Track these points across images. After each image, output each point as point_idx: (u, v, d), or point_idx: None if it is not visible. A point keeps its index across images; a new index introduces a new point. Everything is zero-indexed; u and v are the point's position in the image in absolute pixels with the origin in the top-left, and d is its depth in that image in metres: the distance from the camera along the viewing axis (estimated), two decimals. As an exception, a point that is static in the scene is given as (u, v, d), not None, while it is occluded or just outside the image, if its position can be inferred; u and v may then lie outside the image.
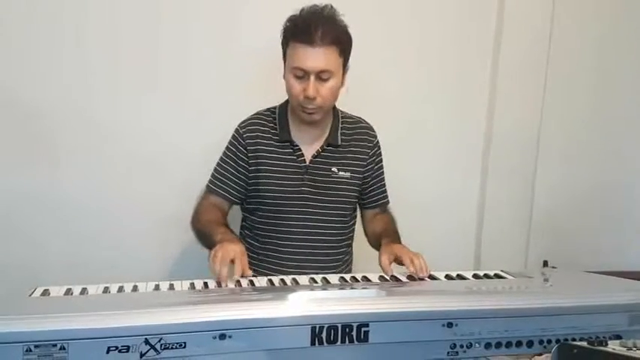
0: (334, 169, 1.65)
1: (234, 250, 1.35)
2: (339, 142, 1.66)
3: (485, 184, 2.37)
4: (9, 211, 1.99)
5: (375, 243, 1.65)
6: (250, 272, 1.36)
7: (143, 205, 2.08)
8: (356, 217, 1.78)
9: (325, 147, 1.65)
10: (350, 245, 1.78)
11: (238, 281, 1.33)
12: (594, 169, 2.51)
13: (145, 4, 1.99)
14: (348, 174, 1.66)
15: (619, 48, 2.45)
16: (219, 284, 1.31)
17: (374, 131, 1.74)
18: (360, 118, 1.75)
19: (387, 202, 1.78)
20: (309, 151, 1.65)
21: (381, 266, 1.46)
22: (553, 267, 1.54)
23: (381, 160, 1.75)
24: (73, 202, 2.02)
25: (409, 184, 2.21)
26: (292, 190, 1.62)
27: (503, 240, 2.40)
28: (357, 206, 1.77)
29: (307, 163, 1.64)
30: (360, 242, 1.82)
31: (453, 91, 2.31)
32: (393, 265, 1.46)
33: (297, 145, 1.64)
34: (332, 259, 1.70)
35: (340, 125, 1.68)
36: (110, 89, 2.01)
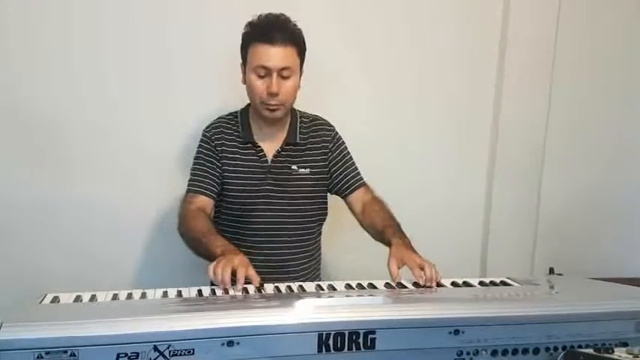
0: (294, 166, 1.71)
1: (238, 259, 1.37)
2: (298, 140, 1.72)
3: (491, 190, 2.37)
4: (17, 218, 2.00)
5: (378, 236, 1.66)
6: (258, 279, 1.37)
7: (150, 211, 2.08)
8: (324, 215, 1.80)
9: (285, 146, 1.70)
10: (318, 241, 1.82)
11: (245, 288, 1.34)
12: (600, 175, 2.50)
13: (154, 10, 2.00)
14: (307, 170, 1.72)
15: (625, 52, 2.44)
16: (216, 291, 1.31)
17: (331, 126, 1.79)
18: (316, 115, 1.80)
19: (364, 182, 1.79)
20: (270, 151, 1.70)
21: (389, 270, 1.46)
22: (559, 274, 1.54)
23: (343, 150, 1.78)
24: (83, 208, 2.03)
25: (415, 190, 2.21)
26: (255, 189, 1.68)
27: (509, 246, 2.39)
28: (324, 204, 1.79)
29: (269, 162, 1.69)
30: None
31: (458, 96, 2.31)
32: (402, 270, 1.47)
33: (260, 146, 1.70)
34: (298, 254, 1.73)
35: (298, 125, 1.74)
36: (120, 97, 2.01)
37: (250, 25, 1.63)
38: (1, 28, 1.91)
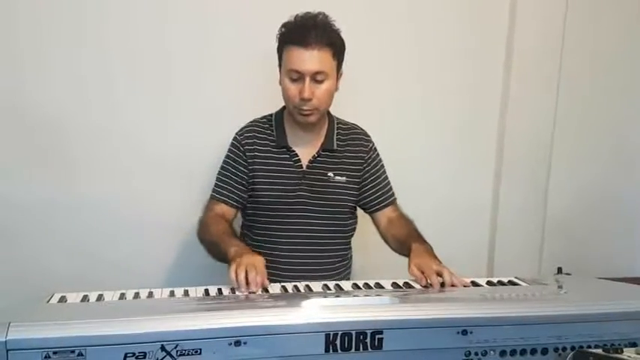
0: (330, 173, 1.66)
1: (256, 260, 1.36)
2: (335, 147, 1.68)
3: (498, 189, 2.36)
4: (22, 219, 2.00)
5: (400, 248, 1.63)
6: (268, 283, 1.36)
7: (155, 211, 2.08)
8: (356, 222, 1.78)
9: (321, 152, 1.66)
10: (349, 249, 1.79)
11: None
12: (608, 173, 2.49)
13: (157, 12, 2.00)
14: (344, 178, 1.67)
15: (633, 50, 2.43)
16: (233, 291, 1.31)
17: (368, 136, 1.75)
18: (354, 124, 1.76)
19: (393, 200, 1.76)
20: (305, 157, 1.66)
21: (413, 276, 1.43)
22: (567, 273, 1.53)
23: (377, 163, 1.75)
24: (87, 208, 2.03)
25: (422, 188, 2.20)
26: (290, 196, 1.64)
27: (516, 244, 2.38)
28: (356, 211, 1.77)
29: (304, 168, 1.65)
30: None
31: (465, 95, 2.30)
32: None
33: (294, 151, 1.65)
34: (331, 262, 1.70)
35: (336, 130, 1.70)
36: (124, 98, 2.02)
37: (285, 25, 1.57)
38: (7, 31, 1.92)
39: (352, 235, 1.78)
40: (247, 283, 1.30)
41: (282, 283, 1.39)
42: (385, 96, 2.19)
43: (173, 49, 2.03)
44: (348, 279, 1.78)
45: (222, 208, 1.65)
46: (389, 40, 2.18)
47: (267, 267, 1.49)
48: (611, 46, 2.40)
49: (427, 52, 2.24)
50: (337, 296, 1.28)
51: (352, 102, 2.08)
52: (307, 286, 1.38)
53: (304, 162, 1.65)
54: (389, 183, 1.77)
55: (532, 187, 2.38)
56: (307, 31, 1.52)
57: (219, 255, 1.50)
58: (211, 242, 1.56)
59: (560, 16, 2.29)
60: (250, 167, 1.64)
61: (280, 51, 1.59)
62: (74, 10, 1.95)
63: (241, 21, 2.04)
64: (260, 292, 1.32)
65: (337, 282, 1.42)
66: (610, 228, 2.52)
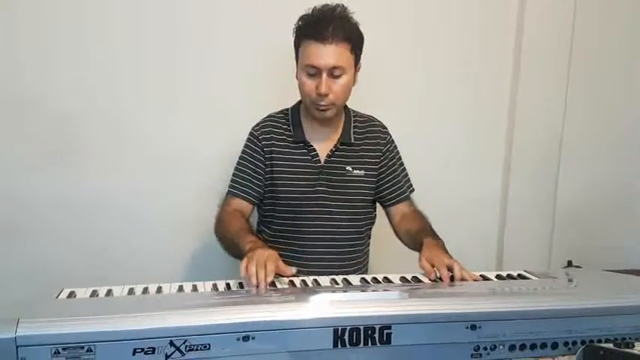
0: (349, 167, 1.66)
1: (267, 254, 1.34)
2: (353, 140, 1.67)
3: (507, 183, 2.35)
4: (31, 214, 2.02)
5: (412, 243, 1.61)
6: (293, 270, 1.35)
7: (163, 207, 2.10)
8: (374, 216, 1.77)
9: (339, 146, 1.65)
10: (367, 244, 1.78)
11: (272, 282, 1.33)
12: (618, 167, 2.47)
13: (165, 10, 2.01)
14: (362, 172, 1.67)
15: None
16: (241, 286, 1.31)
17: (386, 128, 1.74)
18: (371, 116, 1.75)
19: (409, 195, 1.75)
20: (323, 151, 1.65)
21: (423, 269, 1.42)
22: (577, 266, 1.52)
23: (395, 156, 1.74)
24: (96, 203, 2.05)
25: (430, 183, 2.18)
26: (308, 190, 1.63)
27: (525, 237, 2.38)
28: (375, 205, 1.76)
29: (322, 162, 1.65)
30: (376, 241, 1.81)
31: (474, 87, 2.30)
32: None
33: (312, 145, 1.65)
34: (350, 257, 1.69)
35: (353, 124, 1.69)
36: (132, 93, 2.03)
37: (302, 19, 1.55)
38: (11, 27, 1.93)
39: (371, 229, 1.77)
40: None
41: (290, 278, 1.39)
42: (393, 87, 2.18)
43: (181, 42, 2.04)
44: (366, 272, 1.78)
45: (239, 204, 1.64)
46: (397, 31, 2.17)
47: (285, 263, 1.45)
48: (622, 36, 2.38)
49: (436, 43, 2.23)
50: (345, 291, 1.27)
51: (361, 93, 2.08)
52: (315, 280, 1.37)
53: (322, 156, 1.65)
54: (406, 176, 1.76)
55: (542, 179, 2.37)
56: (324, 25, 1.49)
57: (235, 252, 1.49)
58: (228, 239, 1.55)
59: (571, 7, 2.27)
60: (268, 162, 1.64)
61: (297, 45, 1.57)
62: (80, 5, 1.95)
63: (249, 15, 2.04)
64: (268, 287, 1.31)
65: (345, 276, 1.41)
66: (620, 220, 2.50)
